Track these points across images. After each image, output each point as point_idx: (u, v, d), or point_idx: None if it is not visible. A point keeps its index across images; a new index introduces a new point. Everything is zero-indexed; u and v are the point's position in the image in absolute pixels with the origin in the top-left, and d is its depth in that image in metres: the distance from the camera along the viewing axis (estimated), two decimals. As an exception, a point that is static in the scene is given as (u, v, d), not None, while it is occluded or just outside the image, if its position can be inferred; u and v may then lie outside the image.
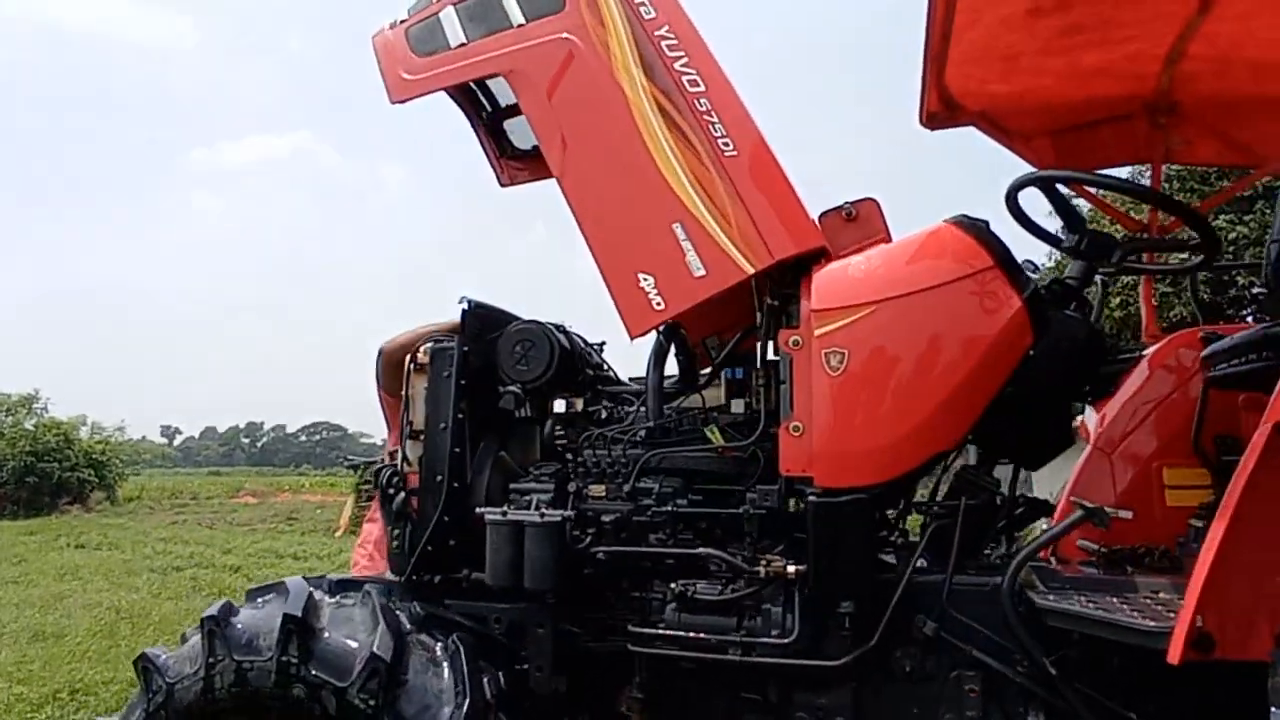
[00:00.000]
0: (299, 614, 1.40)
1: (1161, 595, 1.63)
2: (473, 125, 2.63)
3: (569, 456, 2.03)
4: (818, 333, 1.72)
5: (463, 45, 2.11)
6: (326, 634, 1.40)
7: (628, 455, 1.90)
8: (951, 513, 1.72)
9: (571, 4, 2.01)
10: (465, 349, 2.04)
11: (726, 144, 1.85)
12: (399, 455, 2.34)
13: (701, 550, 1.76)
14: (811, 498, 1.69)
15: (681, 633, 1.72)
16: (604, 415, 2.08)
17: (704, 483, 1.88)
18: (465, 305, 2.12)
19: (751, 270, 1.78)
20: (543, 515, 1.79)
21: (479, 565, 1.90)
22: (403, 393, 2.15)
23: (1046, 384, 1.78)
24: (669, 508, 1.82)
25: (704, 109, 1.88)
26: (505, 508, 1.87)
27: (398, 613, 1.55)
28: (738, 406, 1.92)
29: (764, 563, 1.69)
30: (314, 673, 1.37)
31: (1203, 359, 1.94)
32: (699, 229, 1.82)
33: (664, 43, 1.96)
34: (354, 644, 1.38)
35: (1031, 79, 2.41)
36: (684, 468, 1.89)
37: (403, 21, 2.22)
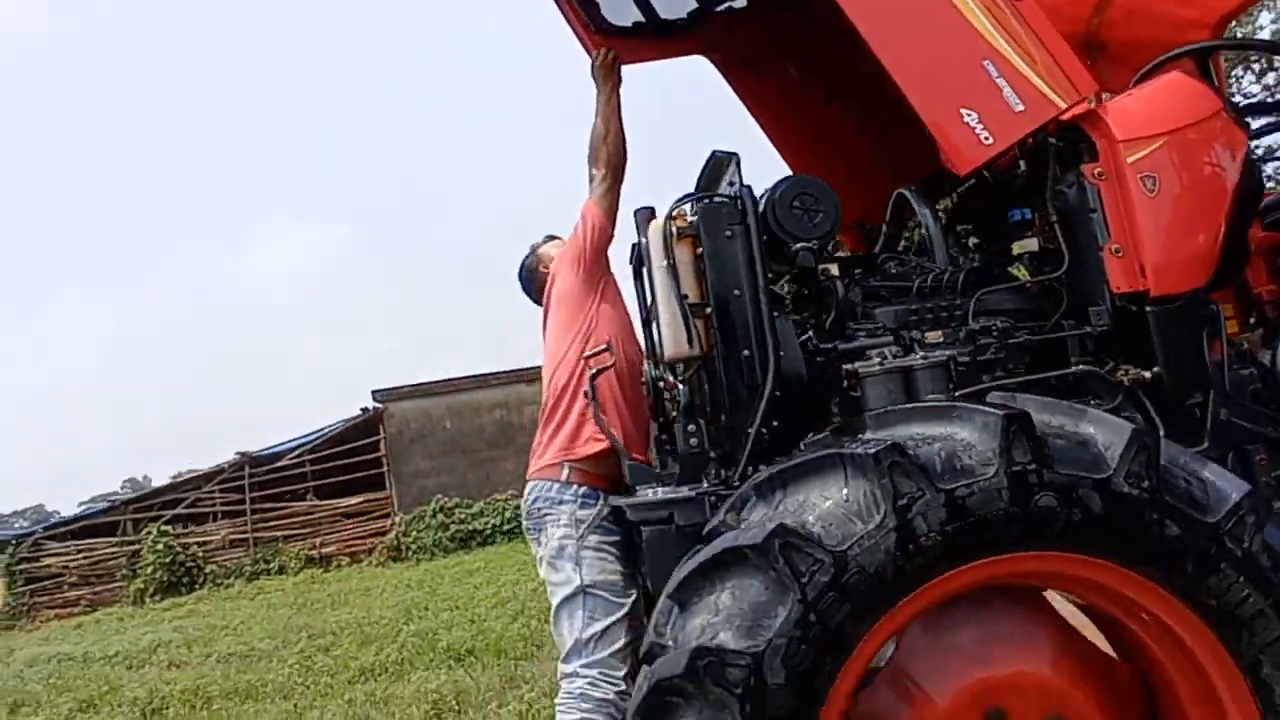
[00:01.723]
0: (1025, 414, 1.15)
1: None
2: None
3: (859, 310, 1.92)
4: (1131, 159, 1.86)
5: None
6: (1053, 432, 1.16)
7: (954, 301, 1.87)
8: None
9: None
10: (749, 202, 1.83)
11: None
12: (608, 353, 2.04)
13: (1079, 368, 1.79)
14: (1151, 307, 1.83)
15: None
16: (892, 270, 2.01)
17: (1019, 319, 1.92)
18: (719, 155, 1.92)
19: (1063, 106, 1.86)
20: (927, 353, 1.69)
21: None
22: (664, 264, 1.87)
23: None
24: (1008, 342, 1.83)
25: None
26: (878, 357, 1.71)
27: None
28: (1031, 245, 1.98)
29: (1123, 373, 1.79)
30: (1063, 471, 1.12)
31: None
32: (1008, 66, 1.85)
33: None
34: (1092, 432, 1.16)
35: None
36: (1001, 307, 1.91)
37: None
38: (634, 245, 2.31)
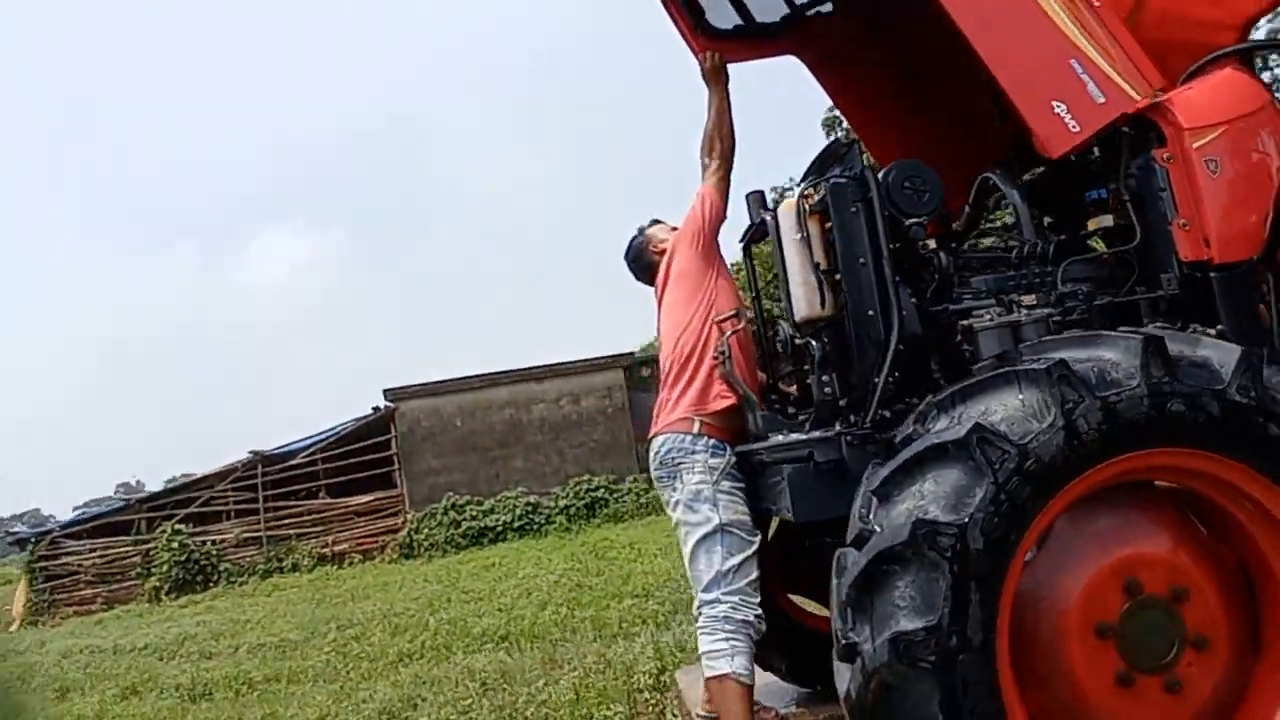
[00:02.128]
0: (1156, 338, 1.46)
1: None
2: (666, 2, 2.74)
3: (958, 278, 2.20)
4: (1195, 145, 2.16)
5: None
6: (1179, 354, 1.47)
7: (1045, 270, 2.16)
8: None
9: None
10: (874, 183, 2.11)
11: None
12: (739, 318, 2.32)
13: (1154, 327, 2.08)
14: (1215, 274, 2.13)
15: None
16: (983, 244, 2.30)
17: (1099, 286, 2.21)
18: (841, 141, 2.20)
19: (1138, 99, 2.16)
20: (1028, 312, 1.98)
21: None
22: (797, 236, 2.15)
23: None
24: (1093, 305, 2.13)
25: None
26: (988, 315, 2.00)
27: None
28: (1106, 221, 2.27)
29: (1192, 329, 2.08)
30: (1189, 383, 1.42)
31: None
32: (1091, 64, 2.14)
33: None
34: (1209, 354, 1.46)
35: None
36: (1083, 275, 2.20)
37: None
38: (750, 225, 2.60)
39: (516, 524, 14.19)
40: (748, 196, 2.64)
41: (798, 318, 2.17)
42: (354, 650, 6.78)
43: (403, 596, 9.52)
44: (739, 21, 2.85)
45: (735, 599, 2.28)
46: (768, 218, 2.36)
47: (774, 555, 3.00)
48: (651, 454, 2.54)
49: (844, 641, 1.41)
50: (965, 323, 1.99)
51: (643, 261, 2.86)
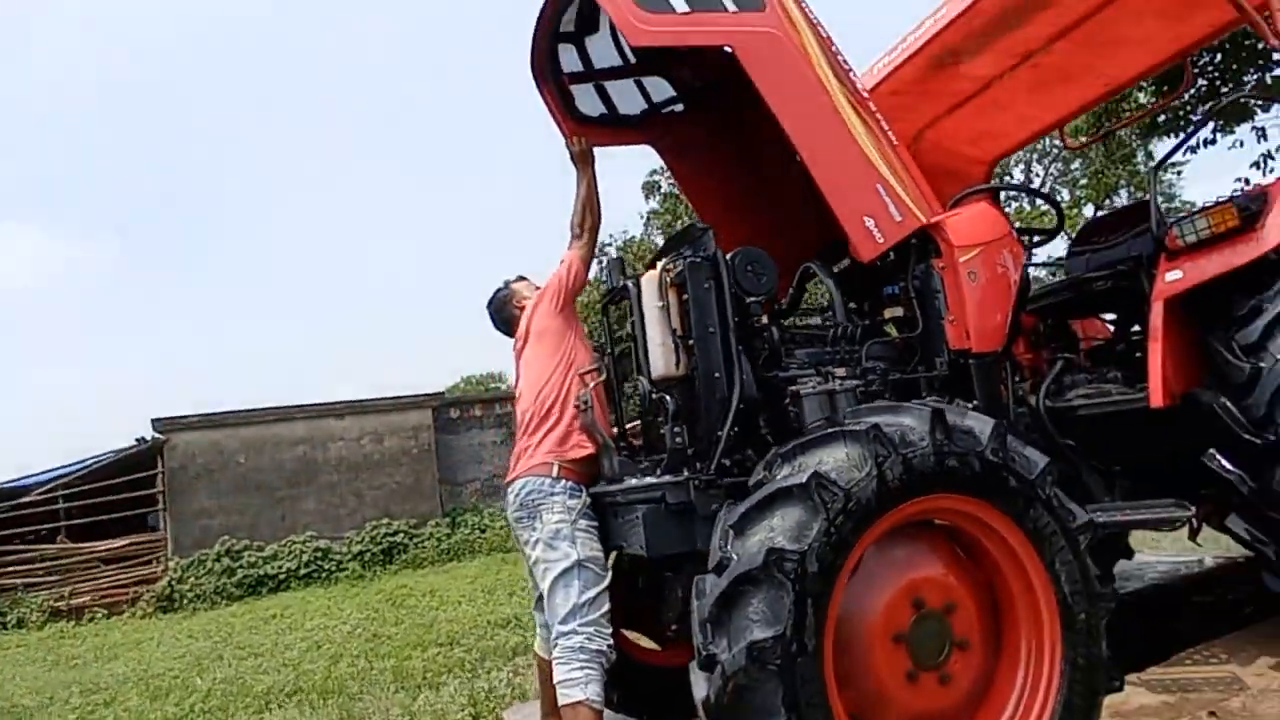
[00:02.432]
0: (940, 410, 1.90)
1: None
2: (539, 81, 3.05)
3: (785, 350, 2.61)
4: (962, 259, 2.77)
5: (686, 14, 2.43)
6: (954, 423, 1.88)
7: (853, 349, 2.64)
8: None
9: (770, 6, 2.51)
10: (723, 263, 2.47)
11: (889, 134, 2.70)
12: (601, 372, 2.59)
13: (930, 400, 2.60)
14: (973, 360, 2.72)
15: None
16: (801, 324, 2.74)
17: (891, 364, 2.72)
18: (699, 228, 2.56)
19: (923, 220, 2.70)
20: (841, 383, 2.42)
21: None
22: (659, 304, 2.45)
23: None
24: (889, 379, 2.63)
25: (874, 109, 2.66)
26: (811, 384, 2.40)
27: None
28: (897, 311, 2.81)
29: (957, 403, 2.64)
30: (960, 445, 1.85)
31: None
32: (891, 188, 2.64)
33: (834, 48, 2.60)
34: (973, 424, 1.89)
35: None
36: (880, 355, 2.71)
37: None
38: (611, 289, 2.88)
39: (303, 571, 13.14)
40: (607, 262, 2.94)
41: (654, 375, 2.46)
42: (103, 716, 5.99)
43: (162, 655, 8.45)
44: (604, 110, 3.19)
45: (591, 630, 2.48)
46: (630, 285, 2.66)
47: (610, 593, 3.24)
48: (511, 496, 2.70)
49: (705, 653, 1.67)
50: (793, 389, 2.38)
51: (504, 314, 3.06)
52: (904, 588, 1.88)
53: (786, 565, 1.63)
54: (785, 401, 2.43)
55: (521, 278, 3.18)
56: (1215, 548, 4.97)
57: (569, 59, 3.11)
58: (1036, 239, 3.51)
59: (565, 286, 2.82)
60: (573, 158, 2.99)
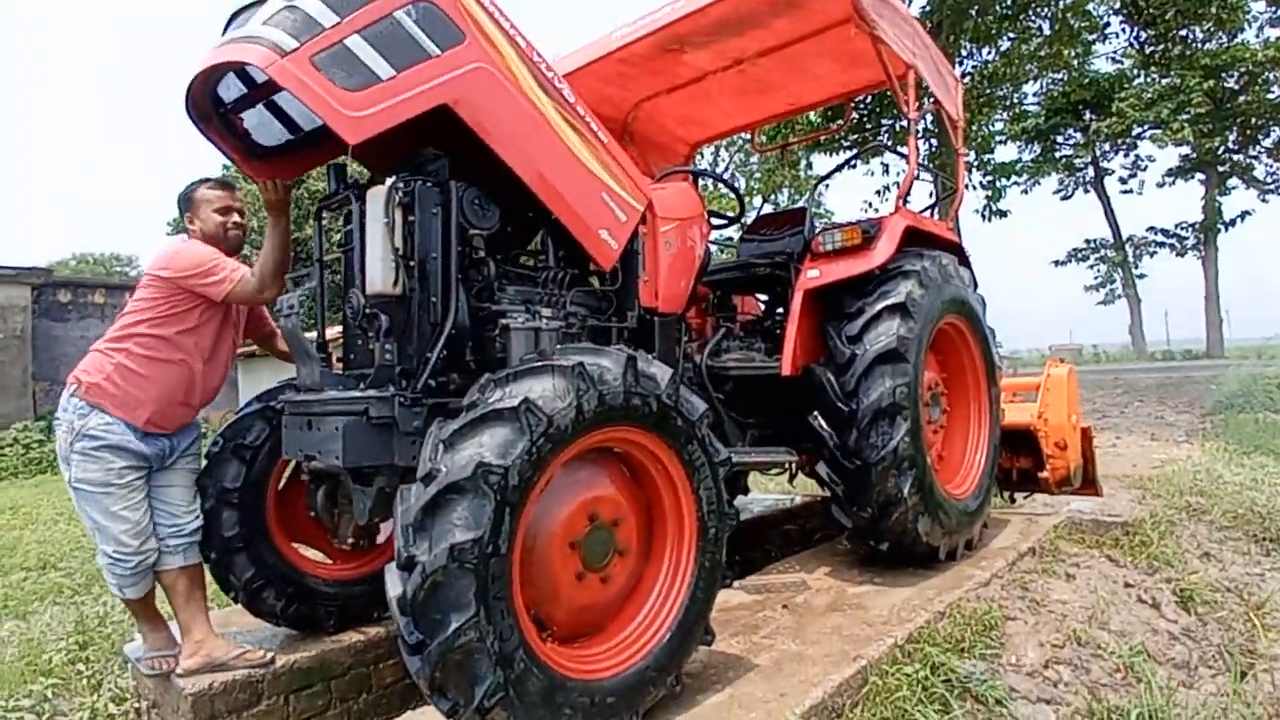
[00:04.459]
0: (633, 357, 2.15)
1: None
2: (202, 124, 2.57)
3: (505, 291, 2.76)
4: (661, 230, 3.16)
5: (393, 78, 2.16)
6: (642, 369, 2.13)
7: (559, 292, 2.86)
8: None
9: (470, 34, 2.31)
10: (454, 193, 2.52)
11: (599, 132, 2.73)
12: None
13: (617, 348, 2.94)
14: (658, 318, 3.14)
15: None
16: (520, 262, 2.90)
17: (590, 311, 3.01)
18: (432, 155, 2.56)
19: (641, 208, 2.96)
20: (547, 322, 2.64)
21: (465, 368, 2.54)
22: (384, 220, 2.41)
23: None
24: (587, 324, 2.92)
25: (582, 111, 2.65)
26: (520, 319, 2.57)
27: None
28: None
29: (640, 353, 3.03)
30: (644, 388, 2.13)
31: None
32: (613, 192, 2.80)
33: (535, 56, 2.51)
34: (655, 371, 2.18)
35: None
36: (582, 301, 2.98)
37: (290, 51, 2.05)
38: (330, 194, 2.73)
39: None
40: (330, 166, 2.78)
41: (370, 290, 2.44)
42: None
43: None
44: (288, 135, 2.75)
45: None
46: (352, 196, 2.58)
47: (283, 508, 3.14)
48: None
49: (405, 555, 1.79)
50: (504, 322, 2.53)
51: (182, 216, 2.98)
52: (583, 503, 2.18)
53: (491, 478, 1.81)
54: (494, 332, 2.58)
55: (223, 184, 2.92)
56: (803, 490, 6.31)
57: (228, 88, 2.58)
58: (721, 222, 4.08)
59: (204, 288, 2.79)
60: (267, 207, 2.78)
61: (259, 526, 3.02)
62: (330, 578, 3.20)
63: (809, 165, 22.48)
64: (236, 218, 2.99)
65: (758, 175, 24.01)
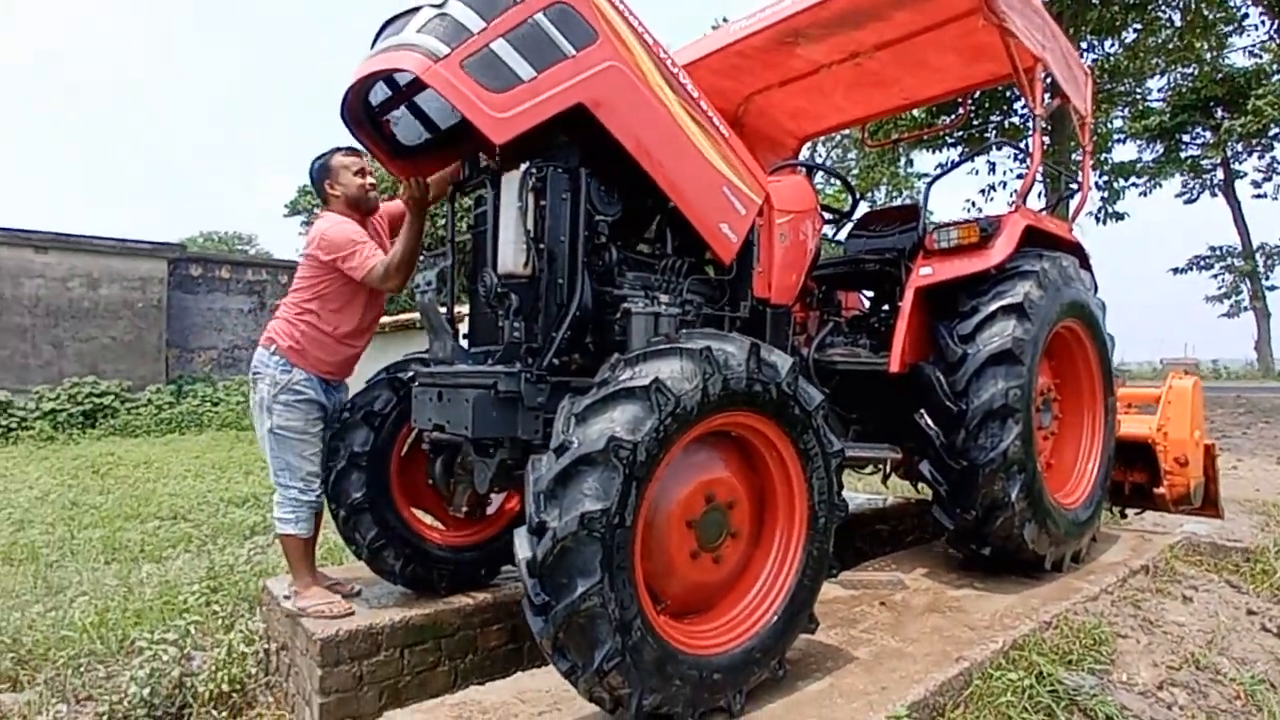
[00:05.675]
0: (757, 344, 2.23)
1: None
2: (360, 136, 2.83)
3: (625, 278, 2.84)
4: (777, 222, 3.19)
5: (534, 78, 2.27)
6: (764, 357, 2.21)
7: (677, 280, 2.93)
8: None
9: (602, 33, 2.41)
10: (583, 180, 2.62)
11: (720, 126, 2.77)
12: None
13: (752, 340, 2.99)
14: (770, 309, 3.17)
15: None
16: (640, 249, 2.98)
17: (705, 300, 3.06)
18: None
19: (759, 201, 2.98)
20: (666, 308, 2.71)
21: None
22: (518, 204, 2.53)
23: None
24: (702, 312, 2.98)
25: (704, 106, 2.70)
26: (640, 305, 2.65)
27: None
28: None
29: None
30: (766, 375, 2.20)
31: None
32: (734, 186, 2.84)
33: (661, 54, 2.59)
34: (777, 360, 2.25)
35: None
36: (698, 290, 3.04)
37: (443, 56, 2.19)
38: (465, 178, 2.88)
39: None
40: (465, 156, 2.94)
41: (502, 271, 2.57)
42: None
43: None
44: (426, 134, 2.96)
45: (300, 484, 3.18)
46: (488, 179, 2.71)
47: (404, 474, 3.34)
48: None
49: (536, 520, 1.90)
50: (625, 306, 2.62)
51: (318, 188, 3.23)
52: (701, 484, 2.25)
53: (622, 452, 1.90)
54: (614, 316, 2.68)
55: (351, 150, 3.13)
56: (895, 492, 6.20)
57: (375, 92, 2.82)
58: (834, 217, 4.06)
59: (347, 266, 3.04)
60: (406, 202, 3.00)
61: (383, 489, 3.23)
62: (444, 543, 3.38)
63: (909, 162, 21.84)
64: (371, 179, 3.25)
65: (856, 172, 23.51)
